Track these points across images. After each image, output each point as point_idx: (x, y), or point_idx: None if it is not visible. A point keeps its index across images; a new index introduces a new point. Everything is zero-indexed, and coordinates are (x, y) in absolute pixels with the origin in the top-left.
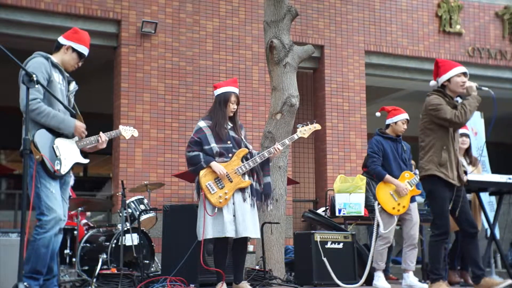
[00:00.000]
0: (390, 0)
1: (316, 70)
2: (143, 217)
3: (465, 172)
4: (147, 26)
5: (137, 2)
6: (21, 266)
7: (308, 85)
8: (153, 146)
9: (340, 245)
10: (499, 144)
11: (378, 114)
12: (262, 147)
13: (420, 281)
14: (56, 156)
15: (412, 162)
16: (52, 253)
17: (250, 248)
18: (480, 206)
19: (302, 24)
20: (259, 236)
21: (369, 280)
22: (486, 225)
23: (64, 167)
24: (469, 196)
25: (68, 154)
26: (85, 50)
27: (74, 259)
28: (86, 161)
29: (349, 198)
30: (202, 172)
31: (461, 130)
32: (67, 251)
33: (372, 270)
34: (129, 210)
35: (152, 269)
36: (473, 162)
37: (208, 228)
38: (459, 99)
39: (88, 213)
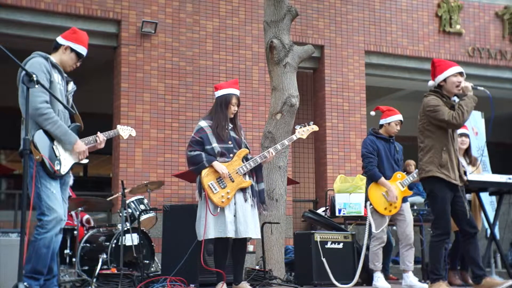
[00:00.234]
0: (390, 0)
1: (316, 70)
2: (143, 217)
3: (465, 172)
4: (147, 26)
5: (137, 2)
6: (21, 266)
7: (308, 85)
8: (153, 146)
9: (340, 245)
10: (499, 144)
11: (372, 113)
12: (262, 147)
13: (420, 281)
14: (56, 156)
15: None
16: (52, 253)
17: (250, 248)
18: (480, 206)
19: (302, 24)
20: (259, 236)
21: (369, 280)
22: (486, 225)
23: (64, 167)
24: (469, 196)
25: (67, 154)
26: (83, 50)
27: (74, 259)
28: (86, 161)
29: (349, 198)
30: (204, 172)
31: (460, 130)
32: (67, 251)
33: (371, 271)
34: (129, 210)
35: (152, 269)
36: (472, 162)
37: (210, 228)
38: (456, 99)
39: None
